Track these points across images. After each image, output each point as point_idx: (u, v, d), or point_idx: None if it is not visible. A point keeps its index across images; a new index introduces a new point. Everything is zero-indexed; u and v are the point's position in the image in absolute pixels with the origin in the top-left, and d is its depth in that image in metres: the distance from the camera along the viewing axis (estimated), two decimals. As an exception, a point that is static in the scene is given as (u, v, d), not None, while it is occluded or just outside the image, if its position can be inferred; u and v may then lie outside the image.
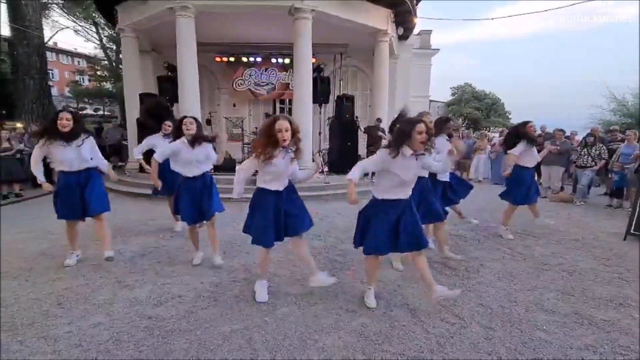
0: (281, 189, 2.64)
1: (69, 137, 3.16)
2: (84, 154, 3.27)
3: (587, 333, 2.35)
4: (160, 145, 4.09)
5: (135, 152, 4.52)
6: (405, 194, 2.54)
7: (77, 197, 3.30)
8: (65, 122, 3.12)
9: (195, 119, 3.49)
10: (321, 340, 2.24)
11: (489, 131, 17.26)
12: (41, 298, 2.77)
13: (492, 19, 17.17)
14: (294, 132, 2.52)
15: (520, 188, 4.38)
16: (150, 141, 4.48)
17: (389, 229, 2.49)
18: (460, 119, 25.72)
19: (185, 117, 3.49)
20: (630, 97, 17.45)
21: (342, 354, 2.11)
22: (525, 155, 4.31)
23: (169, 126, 4.44)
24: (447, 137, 3.70)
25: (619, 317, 2.55)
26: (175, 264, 3.53)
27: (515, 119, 26.67)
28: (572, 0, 9.25)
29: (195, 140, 3.33)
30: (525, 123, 4.33)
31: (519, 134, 4.29)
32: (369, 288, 2.75)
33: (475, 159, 9.94)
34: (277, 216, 2.62)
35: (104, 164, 3.56)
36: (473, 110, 25.44)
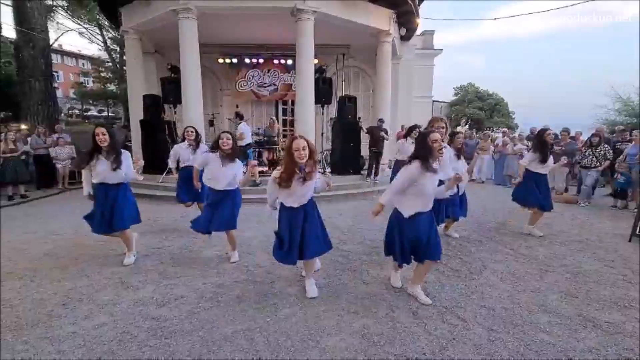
0: (295, 205, 2.68)
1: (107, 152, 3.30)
2: (120, 172, 3.34)
3: (591, 335, 2.34)
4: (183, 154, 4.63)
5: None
6: (430, 205, 2.62)
7: (107, 211, 3.38)
8: (102, 137, 3.23)
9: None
10: (323, 342, 2.24)
11: (492, 132, 17.16)
12: (46, 298, 2.79)
13: (495, 19, 17.14)
14: (311, 153, 2.60)
15: (533, 192, 4.46)
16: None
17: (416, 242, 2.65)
18: (464, 119, 25.62)
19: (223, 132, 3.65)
20: (636, 97, 17.30)
21: (343, 355, 2.11)
22: (537, 162, 4.42)
23: (192, 132, 4.61)
24: (455, 152, 3.91)
25: (623, 320, 2.53)
26: (178, 264, 3.55)
27: (519, 120, 26.54)
28: (575, 0, 9.17)
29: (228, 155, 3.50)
30: (544, 130, 4.47)
31: (538, 140, 4.47)
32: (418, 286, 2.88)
33: (478, 159, 9.87)
34: (292, 233, 2.68)
35: (131, 174, 3.57)
36: (476, 110, 25.29)
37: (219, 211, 3.46)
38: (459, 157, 4.03)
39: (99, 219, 3.35)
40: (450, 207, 4.09)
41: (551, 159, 4.41)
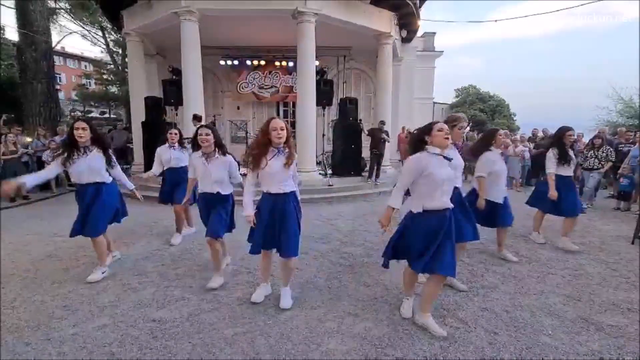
0: (279, 191, 2.55)
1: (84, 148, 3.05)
2: (93, 165, 3.08)
3: (594, 338, 2.32)
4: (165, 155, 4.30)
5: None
6: (445, 201, 2.29)
7: (83, 214, 3.13)
8: (80, 133, 2.97)
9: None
10: (324, 344, 2.24)
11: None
12: (47, 300, 2.80)
13: (496, 20, 17.15)
14: (288, 136, 2.50)
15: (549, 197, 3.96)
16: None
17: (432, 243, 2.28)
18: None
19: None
20: (637, 99, 17.26)
21: (344, 358, 2.10)
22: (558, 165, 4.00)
23: (176, 134, 4.35)
24: (502, 152, 3.58)
25: (626, 323, 2.51)
26: (179, 267, 3.55)
27: (520, 121, 26.48)
28: (578, 1, 9.20)
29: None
30: (567, 129, 3.99)
31: (557, 139, 4.04)
32: (407, 298, 2.66)
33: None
34: (272, 220, 2.56)
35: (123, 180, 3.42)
36: (477, 112, 25.29)
37: (210, 216, 3.09)
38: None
39: (76, 222, 3.12)
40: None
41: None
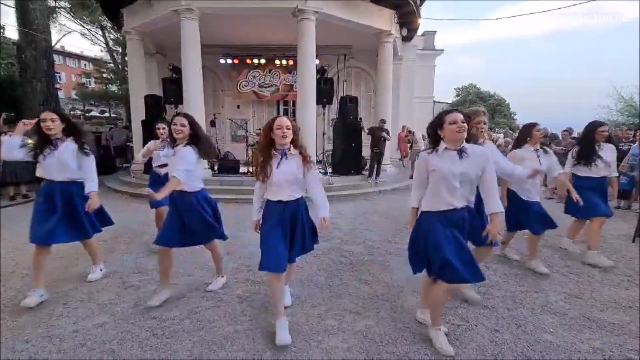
0: (285, 199, 2.27)
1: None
2: (63, 158, 2.71)
3: (595, 336, 2.31)
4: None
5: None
6: (455, 199, 2.03)
7: (52, 217, 2.71)
8: (49, 125, 2.65)
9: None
10: (325, 342, 2.23)
11: (494, 132, 17.14)
12: (46, 298, 2.78)
13: (497, 19, 17.12)
14: (295, 137, 2.26)
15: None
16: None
17: (455, 244, 2.03)
18: (465, 120, 25.54)
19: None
20: (637, 98, 17.27)
21: (345, 356, 2.10)
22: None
23: (164, 128, 3.73)
24: (538, 148, 3.23)
25: (627, 320, 2.51)
26: (179, 264, 3.53)
27: (521, 120, 26.46)
28: (575, 0, 9.16)
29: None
30: (599, 124, 3.46)
31: (587, 136, 3.56)
32: (438, 329, 2.20)
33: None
34: (284, 230, 2.28)
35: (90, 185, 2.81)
36: (478, 111, 25.27)
37: (186, 222, 2.70)
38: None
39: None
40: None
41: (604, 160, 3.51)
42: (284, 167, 2.23)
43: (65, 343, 2.20)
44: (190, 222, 2.68)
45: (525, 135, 3.30)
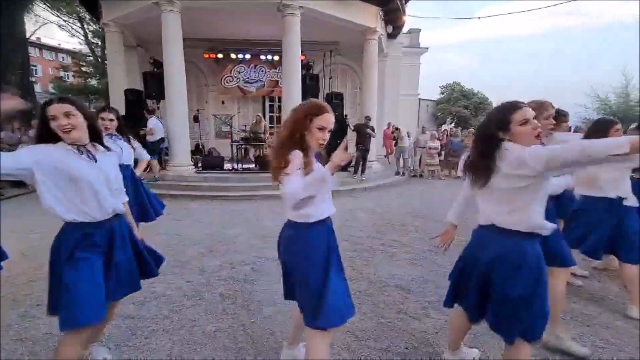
0: (332, 214, 1.71)
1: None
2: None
3: (593, 339, 2.28)
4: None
5: None
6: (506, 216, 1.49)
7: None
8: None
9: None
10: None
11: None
12: (19, 299, 2.69)
13: (479, 17, 17.38)
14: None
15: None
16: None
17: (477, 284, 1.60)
18: (449, 118, 25.98)
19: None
20: (613, 97, 17.95)
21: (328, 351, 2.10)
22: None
23: (111, 120, 2.84)
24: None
25: (625, 323, 2.48)
26: (160, 263, 3.47)
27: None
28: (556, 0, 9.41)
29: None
30: (613, 123, 2.49)
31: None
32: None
33: (463, 156, 10.04)
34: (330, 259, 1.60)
35: None
36: (462, 109, 25.71)
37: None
38: None
39: None
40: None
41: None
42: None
43: (37, 345, 2.13)
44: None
45: (599, 134, 2.35)
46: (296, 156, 1.48)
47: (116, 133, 2.91)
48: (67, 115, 1.52)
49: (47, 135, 1.55)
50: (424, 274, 3.25)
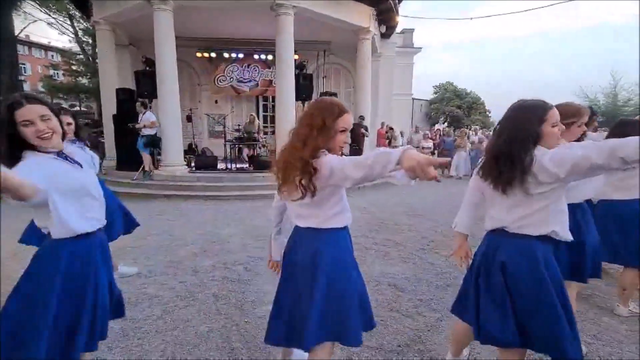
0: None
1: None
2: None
3: (593, 339, 2.28)
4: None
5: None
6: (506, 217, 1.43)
7: None
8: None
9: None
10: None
11: (469, 129, 17.68)
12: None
13: (472, 18, 17.55)
14: None
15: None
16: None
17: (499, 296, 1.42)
18: (442, 117, 26.19)
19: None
20: (602, 97, 18.28)
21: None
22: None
23: (69, 124, 2.34)
24: None
25: (625, 322, 2.50)
26: (153, 263, 3.45)
27: (495, 117, 27.40)
28: (552, 0, 9.56)
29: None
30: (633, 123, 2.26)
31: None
32: None
33: (455, 156, 10.17)
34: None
35: None
36: (455, 108, 25.95)
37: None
38: None
39: None
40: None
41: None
42: None
43: (28, 348, 2.10)
44: None
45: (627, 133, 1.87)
46: (330, 156, 1.34)
47: (74, 137, 2.44)
48: (44, 118, 1.28)
49: (20, 147, 1.27)
50: (417, 273, 3.28)
